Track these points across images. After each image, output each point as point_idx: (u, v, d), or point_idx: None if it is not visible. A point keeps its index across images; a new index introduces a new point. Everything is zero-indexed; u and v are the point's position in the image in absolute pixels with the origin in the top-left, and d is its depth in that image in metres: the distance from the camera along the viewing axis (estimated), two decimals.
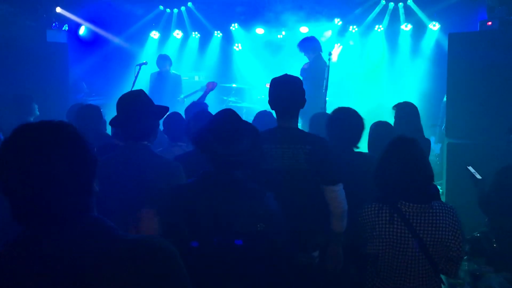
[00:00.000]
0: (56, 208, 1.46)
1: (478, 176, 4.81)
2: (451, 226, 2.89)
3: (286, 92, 3.48)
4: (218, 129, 2.64)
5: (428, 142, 5.14)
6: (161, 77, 8.85)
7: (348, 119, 3.95)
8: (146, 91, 3.35)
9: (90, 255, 1.45)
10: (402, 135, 3.07)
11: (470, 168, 4.93)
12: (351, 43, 10.35)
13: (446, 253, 2.89)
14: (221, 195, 2.58)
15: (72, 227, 1.48)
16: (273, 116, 3.99)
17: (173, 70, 9.11)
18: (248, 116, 8.90)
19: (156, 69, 8.94)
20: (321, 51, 7.70)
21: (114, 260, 1.46)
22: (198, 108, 5.10)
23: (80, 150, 1.51)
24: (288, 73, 3.59)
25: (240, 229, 2.51)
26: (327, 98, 6.77)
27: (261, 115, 5.09)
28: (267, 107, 3.89)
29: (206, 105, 5.84)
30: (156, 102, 3.26)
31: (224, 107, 6.02)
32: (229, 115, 2.73)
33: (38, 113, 6.19)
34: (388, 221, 2.88)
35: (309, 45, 7.70)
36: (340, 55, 9.90)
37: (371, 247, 2.94)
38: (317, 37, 7.92)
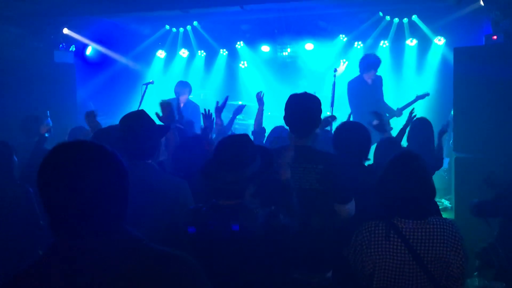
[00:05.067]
0: (93, 220, 1.53)
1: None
2: (450, 242, 2.81)
3: (303, 110, 3.43)
4: (222, 158, 2.63)
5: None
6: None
7: (354, 133, 3.91)
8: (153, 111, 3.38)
9: (119, 265, 1.52)
10: (406, 150, 3.04)
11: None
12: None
13: (447, 270, 2.80)
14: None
15: (105, 239, 1.54)
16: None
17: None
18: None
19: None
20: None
21: (141, 270, 1.53)
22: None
23: (116, 167, 1.60)
24: (295, 90, 3.58)
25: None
26: (333, 115, 6.77)
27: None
28: (274, 124, 3.87)
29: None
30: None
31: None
32: (232, 142, 2.71)
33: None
34: (384, 238, 2.83)
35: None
36: (346, 71, 9.93)
37: (367, 266, 2.87)
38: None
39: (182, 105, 8.12)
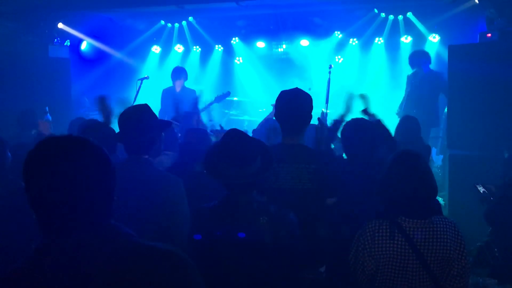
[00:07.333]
0: (80, 217, 1.51)
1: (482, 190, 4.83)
2: (453, 241, 2.82)
3: (294, 107, 3.38)
4: (229, 152, 2.63)
5: (428, 148, 5.20)
6: (175, 93, 8.11)
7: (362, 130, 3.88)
8: (153, 106, 3.37)
9: (109, 262, 1.49)
10: (407, 149, 3.04)
11: (478, 186, 4.94)
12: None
13: (450, 269, 2.81)
14: (241, 220, 2.58)
15: (93, 235, 1.52)
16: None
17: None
18: (250, 130, 8.86)
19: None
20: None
21: (132, 266, 1.51)
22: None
23: (102, 162, 1.58)
24: (289, 86, 3.55)
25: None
26: (328, 111, 6.79)
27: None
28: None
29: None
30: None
31: (225, 120, 6.02)
32: (238, 136, 2.70)
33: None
34: (389, 237, 2.82)
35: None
36: (341, 68, 9.95)
37: (370, 266, 2.87)
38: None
39: (178, 89, 8.15)
